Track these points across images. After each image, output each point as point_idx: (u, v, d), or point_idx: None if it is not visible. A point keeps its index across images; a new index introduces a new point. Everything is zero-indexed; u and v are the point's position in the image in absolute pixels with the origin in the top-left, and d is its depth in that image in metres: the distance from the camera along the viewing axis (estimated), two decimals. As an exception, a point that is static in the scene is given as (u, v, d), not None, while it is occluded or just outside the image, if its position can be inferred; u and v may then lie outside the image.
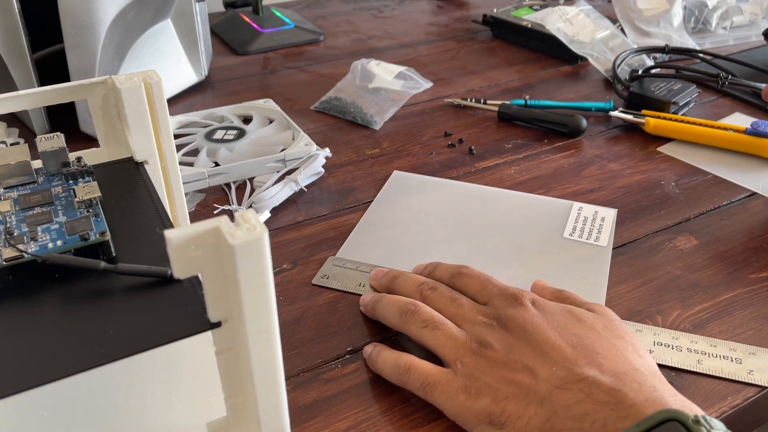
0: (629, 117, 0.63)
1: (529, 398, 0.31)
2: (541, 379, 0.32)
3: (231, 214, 0.51)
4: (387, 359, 0.36)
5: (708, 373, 0.37)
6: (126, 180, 0.34)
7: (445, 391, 0.33)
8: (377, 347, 0.37)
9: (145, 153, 0.35)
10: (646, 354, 0.34)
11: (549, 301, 0.37)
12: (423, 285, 0.39)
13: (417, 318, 0.36)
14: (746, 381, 0.36)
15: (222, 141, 0.58)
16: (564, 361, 0.32)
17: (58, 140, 0.34)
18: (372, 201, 0.53)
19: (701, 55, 0.76)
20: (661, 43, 0.78)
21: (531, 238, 0.48)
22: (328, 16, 0.99)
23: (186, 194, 0.50)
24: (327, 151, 0.57)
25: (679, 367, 0.37)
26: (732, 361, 0.37)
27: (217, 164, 0.55)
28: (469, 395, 0.32)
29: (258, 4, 0.91)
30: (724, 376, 0.36)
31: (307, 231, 0.50)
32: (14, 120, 0.64)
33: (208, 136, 0.59)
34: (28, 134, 0.62)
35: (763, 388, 0.36)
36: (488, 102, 0.68)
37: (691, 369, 0.37)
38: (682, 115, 0.65)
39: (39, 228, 0.29)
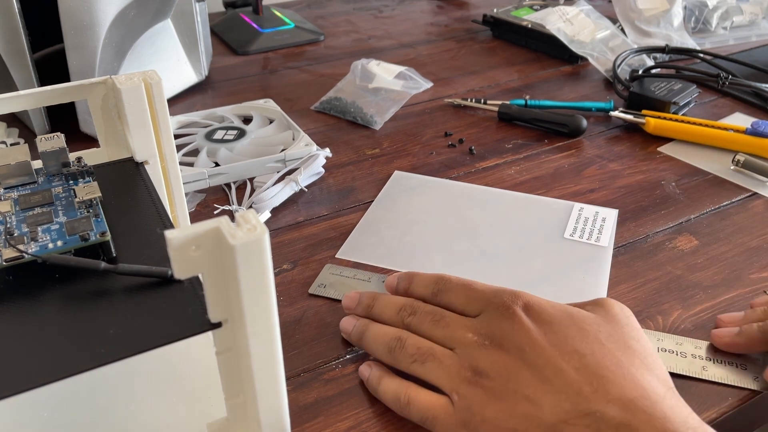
0: (629, 117, 0.63)
1: (532, 431, 0.29)
2: (545, 410, 0.30)
3: (231, 215, 0.51)
4: (387, 390, 0.34)
5: (713, 380, 0.36)
6: (126, 180, 0.34)
7: (444, 425, 0.32)
8: (375, 371, 0.36)
9: (145, 153, 0.35)
10: (655, 361, 0.32)
11: (543, 301, 0.34)
12: (402, 311, 0.36)
13: (405, 353, 0.34)
14: (752, 388, 0.36)
15: (222, 141, 0.58)
16: (568, 389, 0.30)
17: (58, 140, 0.33)
18: (372, 201, 0.53)
19: (701, 55, 0.76)
20: (661, 43, 0.78)
21: (532, 239, 0.48)
22: (328, 16, 0.99)
23: (186, 194, 0.50)
24: (327, 151, 0.57)
25: (684, 374, 0.36)
26: (737, 367, 0.37)
27: (217, 164, 0.55)
28: (469, 431, 0.31)
29: (258, 4, 0.91)
30: (729, 383, 0.36)
31: (307, 231, 0.50)
32: (14, 120, 0.64)
33: (208, 136, 0.59)
34: (28, 134, 0.62)
35: None
36: (488, 102, 0.68)
37: (696, 376, 0.36)
38: (683, 115, 0.65)
39: (39, 228, 0.29)
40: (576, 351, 0.31)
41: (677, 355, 0.37)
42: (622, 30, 0.82)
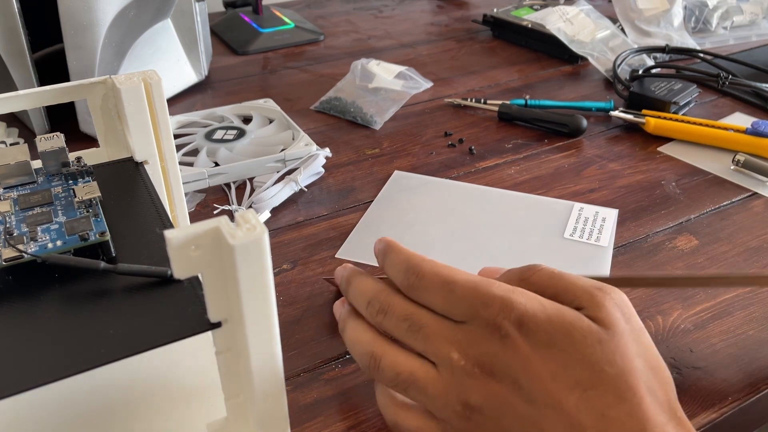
0: (629, 117, 0.63)
1: None
2: None
3: (231, 214, 0.51)
4: (384, 411, 0.32)
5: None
6: (126, 180, 0.34)
7: None
8: (379, 388, 0.33)
9: (145, 153, 0.35)
10: (659, 378, 0.29)
11: (538, 311, 0.29)
12: (370, 307, 0.32)
13: (382, 375, 0.31)
14: None
15: (222, 141, 0.58)
16: (569, 429, 0.27)
17: (57, 140, 0.33)
18: (372, 201, 0.53)
19: (701, 55, 0.76)
20: (661, 43, 0.78)
21: (531, 239, 0.48)
22: (328, 16, 0.99)
23: (186, 194, 0.50)
24: (327, 151, 0.57)
25: None
26: None
27: (217, 164, 0.55)
28: None
29: (258, 3, 0.91)
30: None
31: (307, 231, 0.50)
32: (14, 120, 0.64)
33: (208, 136, 0.59)
34: (28, 134, 0.62)
35: None
36: (488, 102, 0.68)
37: None
38: (683, 115, 0.65)
39: (39, 228, 0.29)
40: (577, 383, 0.27)
41: None
42: (622, 30, 0.82)
